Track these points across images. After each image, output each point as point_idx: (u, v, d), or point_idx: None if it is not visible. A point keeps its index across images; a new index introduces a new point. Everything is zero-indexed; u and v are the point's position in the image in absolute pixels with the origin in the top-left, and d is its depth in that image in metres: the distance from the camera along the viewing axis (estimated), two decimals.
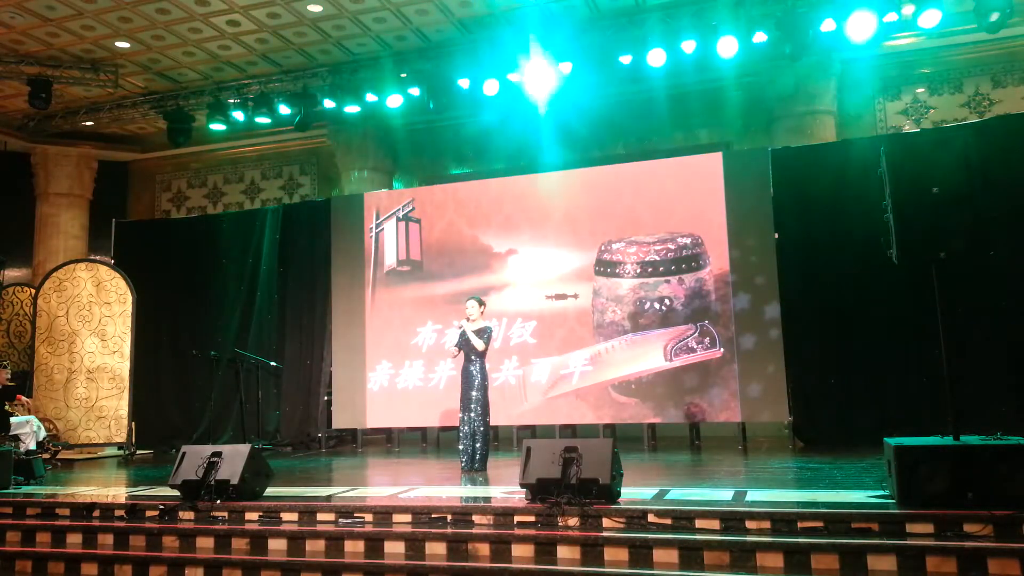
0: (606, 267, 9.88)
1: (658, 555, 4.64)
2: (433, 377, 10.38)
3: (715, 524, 4.79)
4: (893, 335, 8.61)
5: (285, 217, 11.80)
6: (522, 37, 10.72)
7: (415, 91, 11.25)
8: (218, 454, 6.11)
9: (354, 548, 5.25)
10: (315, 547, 5.35)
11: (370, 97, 11.38)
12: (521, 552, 4.91)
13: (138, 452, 10.78)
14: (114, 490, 7.42)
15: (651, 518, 4.92)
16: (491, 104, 11.33)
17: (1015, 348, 8.11)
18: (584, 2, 10.14)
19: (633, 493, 5.55)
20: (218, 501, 5.86)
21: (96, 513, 6.15)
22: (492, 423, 7.78)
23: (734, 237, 9.39)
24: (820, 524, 4.62)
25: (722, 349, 9.30)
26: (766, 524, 4.72)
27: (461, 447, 7.54)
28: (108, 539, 5.88)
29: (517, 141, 12.79)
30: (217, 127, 12.18)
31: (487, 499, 5.84)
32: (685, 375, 9.40)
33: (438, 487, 6.70)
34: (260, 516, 5.74)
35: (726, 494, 5.51)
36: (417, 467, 8.69)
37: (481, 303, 7.76)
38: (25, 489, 7.17)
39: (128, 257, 11.71)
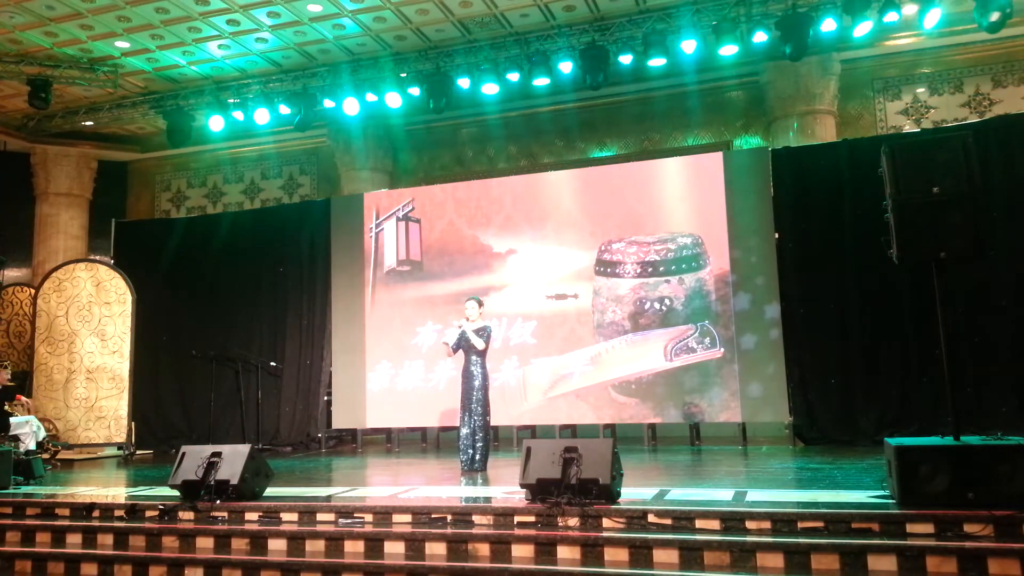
0: (606, 267, 9.88)
1: (658, 555, 4.63)
2: (433, 377, 10.38)
3: (715, 524, 4.79)
4: (893, 335, 8.61)
5: (285, 217, 11.81)
6: (522, 39, 10.75)
7: (415, 91, 11.25)
8: (218, 454, 6.10)
9: (354, 548, 5.25)
10: (315, 547, 5.35)
11: (370, 97, 11.36)
12: (521, 552, 4.91)
13: (138, 452, 10.77)
14: (114, 490, 7.41)
15: (651, 518, 4.92)
16: (491, 104, 11.33)
17: (1015, 348, 8.11)
18: (584, 2, 10.13)
19: (633, 493, 5.54)
20: (218, 501, 5.86)
21: (96, 513, 6.15)
22: (492, 423, 7.77)
23: (734, 237, 9.39)
24: (820, 524, 4.62)
25: (722, 349, 9.29)
26: (766, 524, 4.71)
27: (461, 447, 7.54)
28: (108, 539, 5.87)
29: (517, 141, 12.81)
30: (217, 127, 12.16)
31: (487, 499, 5.84)
32: (685, 375, 9.40)
33: (438, 487, 6.70)
34: (260, 516, 5.74)
35: (726, 494, 5.51)
36: (417, 467, 8.69)
37: (480, 303, 7.77)
38: (25, 489, 7.16)
39: (128, 257, 11.71)
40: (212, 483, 5.92)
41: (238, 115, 11.97)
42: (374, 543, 5.23)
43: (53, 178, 14.22)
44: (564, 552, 4.82)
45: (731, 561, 4.51)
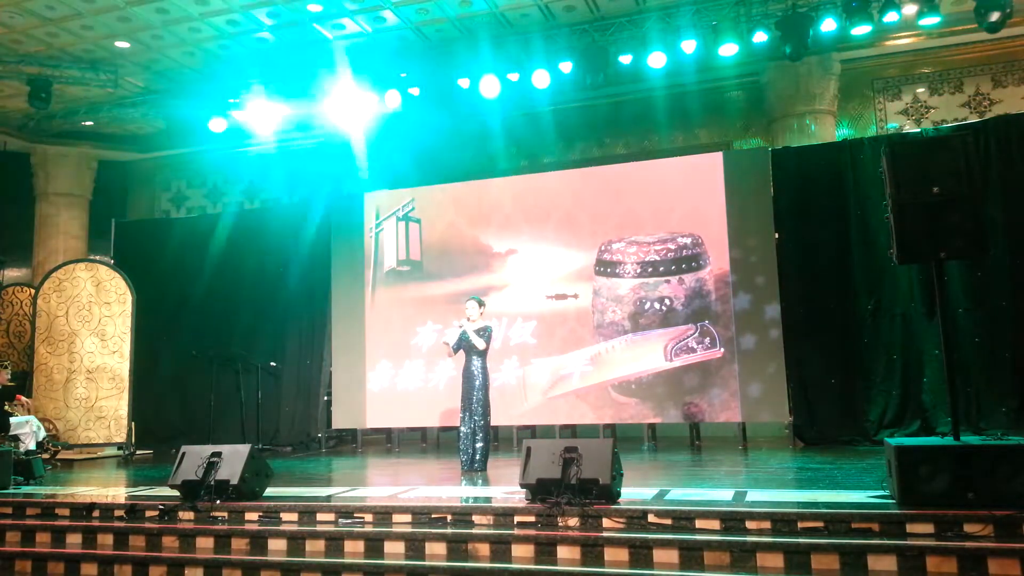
0: (606, 267, 9.88)
1: (658, 555, 4.64)
2: (433, 377, 10.38)
3: (715, 524, 4.79)
4: (893, 335, 8.61)
5: (285, 217, 11.80)
6: (523, 39, 10.75)
7: (415, 91, 11.24)
8: (218, 454, 6.11)
9: (354, 548, 5.26)
10: (315, 547, 5.35)
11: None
12: (521, 552, 4.91)
13: (138, 452, 10.77)
14: (114, 490, 7.41)
15: (651, 518, 4.92)
16: (491, 104, 11.33)
17: (1015, 348, 8.11)
18: (584, 2, 10.14)
19: (633, 493, 5.55)
20: (218, 501, 5.86)
21: (96, 513, 6.16)
22: (492, 423, 7.77)
23: (734, 237, 9.38)
24: (820, 524, 4.62)
25: (722, 349, 9.29)
26: (766, 524, 4.72)
27: (461, 447, 7.54)
28: (108, 539, 5.88)
29: (517, 141, 12.80)
30: (217, 127, 12.14)
31: (487, 499, 5.83)
32: (685, 375, 9.40)
33: (438, 487, 6.70)
34: (260, 516, 5.74)
35: (726, 494, 5.51)
36: (417, 467, 8.69)
37: (481, 303, 7.77)
38: (25, 489, 7.16)
39: (128, 257, 11.71)
40: (212, 483, 5.92)
41: (239, 115, 11.95)
42: (374, 543, 5.23)
43: (53, 178, 14.22)
44: (564, 552, 4.82)
45: (731, 561, 4.52)
